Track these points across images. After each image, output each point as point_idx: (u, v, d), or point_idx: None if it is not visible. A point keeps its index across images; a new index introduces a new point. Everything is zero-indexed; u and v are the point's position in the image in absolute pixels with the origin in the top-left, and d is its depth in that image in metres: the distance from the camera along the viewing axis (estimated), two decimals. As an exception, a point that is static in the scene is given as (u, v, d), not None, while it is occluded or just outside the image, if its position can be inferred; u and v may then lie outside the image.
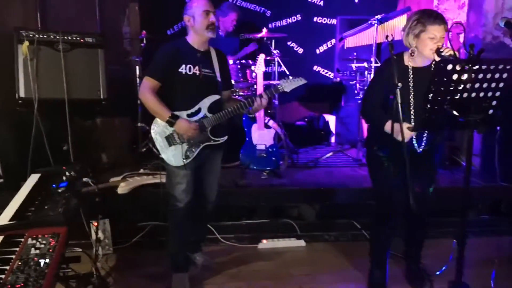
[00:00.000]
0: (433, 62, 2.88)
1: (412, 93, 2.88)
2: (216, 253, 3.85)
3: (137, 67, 5.18)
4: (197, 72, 3.12)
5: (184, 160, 3.14)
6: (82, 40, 4.12)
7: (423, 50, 2.82)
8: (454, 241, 2.69)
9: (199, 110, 3.15)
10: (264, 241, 4.04)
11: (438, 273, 3.41)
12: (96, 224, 3.65)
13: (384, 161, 3.06)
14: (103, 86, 4.17)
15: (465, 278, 2.79)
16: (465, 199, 2.87)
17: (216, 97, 3.19)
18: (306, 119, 6.67)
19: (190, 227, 3.35)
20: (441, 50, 2.68)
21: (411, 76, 2.90)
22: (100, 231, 3.72)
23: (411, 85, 2.89)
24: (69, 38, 4.07)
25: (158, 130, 3.16)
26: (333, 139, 6.48)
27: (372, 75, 5.13)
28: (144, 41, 5.20)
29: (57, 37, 4.02)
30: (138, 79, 5.16)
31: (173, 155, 3.15)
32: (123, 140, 5.01)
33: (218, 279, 3.48)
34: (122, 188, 3.97)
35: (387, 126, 2.82)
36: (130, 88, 5.26)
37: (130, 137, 5.17)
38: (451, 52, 2.63)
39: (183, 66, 3.09)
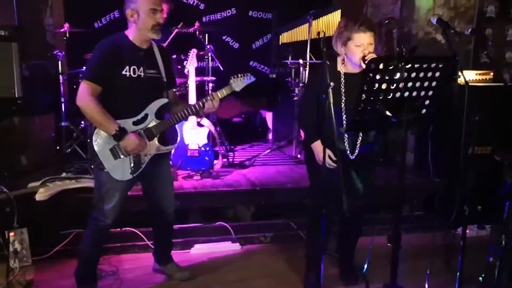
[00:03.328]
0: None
1: (344, 98, 2.87)
2: (146, 260, 3.62)
3: (59, 62, 4.83)
4: (142, 74, 2.85)
5: (132, 174, 2.88)
6: (-9, 33, 3.74)
7: (351, 57, 2.82)
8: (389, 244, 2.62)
9: (146, 117, 2.89)
10: (197, 245, 3.87)
11: (364, 271, 3.38)
12: (12, 234, 3.40)
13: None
14: (18, 83, 3.82)
15: (399, 275, 2.77)
16: (399, 198, 2.82)
17: (164, 101, 2.95)
18: (243, 116, 6.55)
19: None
20: (365, 57, 2.66)
21: (343, 81, 2.89)
22: (16, 241, 3.44)
23: (343, 90, 2.87)
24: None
25: (101, 142, 2.83)
26: (270, 136, 6.39)
27: (307, 72, 5.06)
28: (67, 35, 4.85)
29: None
30: (60, 76, 4.81)
31: (119, 169, 2.86)
32: (45, 140, 4.67)
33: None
34: (41, 195, 3.66)
35: (314, 146, 2.92)
36: (53, 84, 4.92)
37: (53, 137, 4.83)
38: (374, 58, 2.60)
39: (127, 67, 2.79)
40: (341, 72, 2.92)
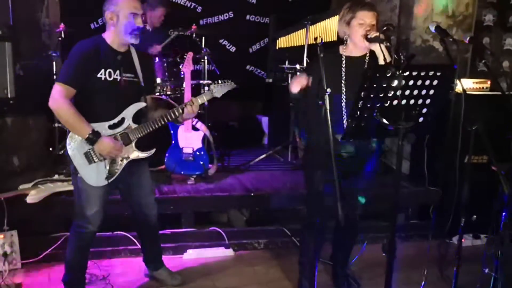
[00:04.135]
0: (368, 52, 2.89)
1: (344, 83, 2.86)
2: (137, 264, 3.57)
3: (54, 63, 4.77)
4: (118, 78, 2.80)
5: (107, 180, 2.82)
6: (-16, 32, 3.68)
7: (354, 37, 2.84)
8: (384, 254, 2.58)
9: (122, 120, 2.83)
10: (190, 251, 3.82)
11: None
12: (2, 236, 3.36)
13: (317, 168, 2.94)
14: (11, 83, 3.77)
15: (394, 283, 2.71)
16: (395, 208, 2.79)
17: (142, 104, 2.90)
18: (238, 120, 6.50)
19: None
20: (368, 34, 2.72)
21: (344, 65, 2.89)
22: (6, 244, 3.39)
23: (344, 75, 2.88)
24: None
25: (75, 145, 2.77)
26: (265, 141, 6.35)
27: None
28: (62, 35, 4.80)
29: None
30: (55, 76, 4.76)
31: (93, 174, 2.80)
32: (37, 141, 4.60)
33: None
34: (32, 197, 3.60)
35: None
36: (47, 85, 4.84)
37: (46, 139, 4.76)
38: (377, 34, 2.69)
39: (102, 71, 2.74)
40: (342, 55, 2.92)
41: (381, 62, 2.72)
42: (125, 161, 2.88)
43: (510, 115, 4.02)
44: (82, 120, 2.69)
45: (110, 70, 2.77)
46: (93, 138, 2.70)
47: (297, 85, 2.90)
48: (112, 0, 2.78)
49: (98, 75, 2.74)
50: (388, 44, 2.66)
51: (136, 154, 2.91)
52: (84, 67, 2.71)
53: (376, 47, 2.74)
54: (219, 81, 2.97)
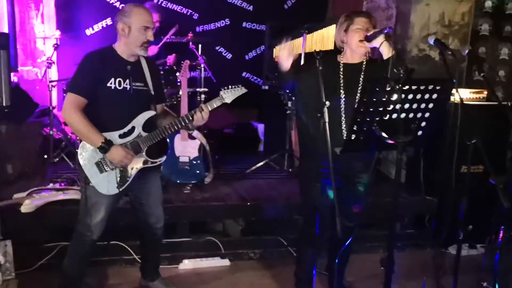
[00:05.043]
0: (365, 59, 2.92)
1: (343, 91, 2.87)
2: (133, 274, 3.54)
3: (49, 70, 4.74)
4: (128, 87, 2.80)
5: (119, 188, 2.82)
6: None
7: (351, 43, 2.87)
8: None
9: (132, 129, 2.83)
10: (186, 261, 3.80)
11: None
12: (-5, 246, 3.29)
13: (314, 178, 2.91)
14: (7, 92, 3.71)
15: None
16: (394, 215, 2.78)
17: (151, 113, 2.89)
18: (234, 126, 6.48)
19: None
20: (368, 33, 2.76)
21: (342, 72, 2.90)
22: (0, 254, 3.32)
23: (342, 82, 2.88)
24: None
25: (87, 155, 2.78)
26: (261, 148, 6.33)
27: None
28: (58, 42, 4.78)
29: None
30: (50, 83, 4.72)
31: (105, 183, 2.80)
32: (32, 149, 4.57)
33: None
34: (27, 206, 3.57)
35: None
36: (42, 92, 4.83)
37: (41, 146, 4.73)
38: (375, 30, 2.75)
39: (112, 80, 2.74)
40: (340, 62, 2.93)
41: (386, 56, 2.73)
42: (135, 169, 2.88)
43: (506, 125, 4.07)
44: (94, 129, 2.69)
45: (120, 79, 2.78)
46: (106, 146, 2.70)
47: (288, 58, 2.87)
48: (125, 11, 2.78)
49: (108, 84, 2.75)
50: (388, 31, 2.69)
51: (146, 162, 2.90)
52: (93, 76, 2.72)
53: (377, 42, 2.75)
54: (230, 87, 2.91)
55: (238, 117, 6.58)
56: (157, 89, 3.00)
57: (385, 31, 2.70)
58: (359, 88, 2.85)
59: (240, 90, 2.93)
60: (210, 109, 2.89)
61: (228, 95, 2.90)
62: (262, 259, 4.00)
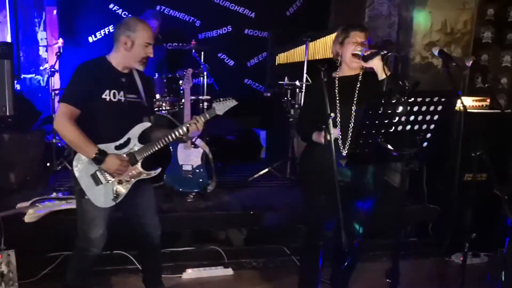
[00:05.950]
0: (361, 72, 2.92)
1: (338, 104, 2.88)
2: (136, 283, 3.52)
3: (52, 78, 4.75)
4: (122, 99, 2.79)
5: (115, 200, 2.81)
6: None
7: (345, 56, 2.89)
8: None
9: (128, 141, 2.82)
10: (189, 270, 3.79)
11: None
12: (-1, 256, 3.27)
13: (316, 187, 2.91)
14: (10, 101, 3.73)
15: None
16: (399, 225, 2.77)
17: (147, 125, 2.88)
18: (236, 133, 6.47)
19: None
20: (365, 53, 2.76)
21: (337, 86, 2.92)
22: (3, 264, 3.31)
23: (338, 96, 2.90)
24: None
25: (82, 167, 2.76)
26: (263, 155, 6.32)
27: (303, 94, 5.02)
28: (61, 50, 4.78)
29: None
30: (52, 92, 4.73)
31: (101, 195, 2.78)
32: (34, 157, 4.56)
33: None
34: (30, 216, 3.57)
35: (316, 138, 2.85)
36: (45, 100, 4.83)
37: (43, 154, 4.72)
38: (372, 50, 2.73)
39: (107, 92, 2.73)
40: (335, 77, 2.95)
41: (381, 77, 2.72)
42: (132, 181, 2.87)
43: (509, 133, 4.06)
44: (88, 140, 2.68)
45: (115, 91, 2.77)
46: (100, 157, 2.69)
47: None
48: (130, 25, 2.77)
49: (103, 96, 2.74)
50: (385, 52, 2.68)
51: (142, 174, 2.89)
52: (86, 87, 2.71)
53: (373, 63, 2.75)
54: (221, 99, 2.95)
55: (240, 124, 6.58)
56: (150, 101, 3.02)
57: (382, 52, 2.69)
58: (355, 100, 2.86)
59: (231, 102, 2.96)
60: (203, 120, 2.91)
61: (220, 107, 2.93)
62: (265, 268, 3.99)
